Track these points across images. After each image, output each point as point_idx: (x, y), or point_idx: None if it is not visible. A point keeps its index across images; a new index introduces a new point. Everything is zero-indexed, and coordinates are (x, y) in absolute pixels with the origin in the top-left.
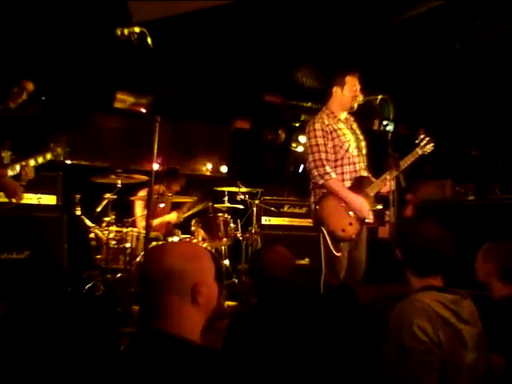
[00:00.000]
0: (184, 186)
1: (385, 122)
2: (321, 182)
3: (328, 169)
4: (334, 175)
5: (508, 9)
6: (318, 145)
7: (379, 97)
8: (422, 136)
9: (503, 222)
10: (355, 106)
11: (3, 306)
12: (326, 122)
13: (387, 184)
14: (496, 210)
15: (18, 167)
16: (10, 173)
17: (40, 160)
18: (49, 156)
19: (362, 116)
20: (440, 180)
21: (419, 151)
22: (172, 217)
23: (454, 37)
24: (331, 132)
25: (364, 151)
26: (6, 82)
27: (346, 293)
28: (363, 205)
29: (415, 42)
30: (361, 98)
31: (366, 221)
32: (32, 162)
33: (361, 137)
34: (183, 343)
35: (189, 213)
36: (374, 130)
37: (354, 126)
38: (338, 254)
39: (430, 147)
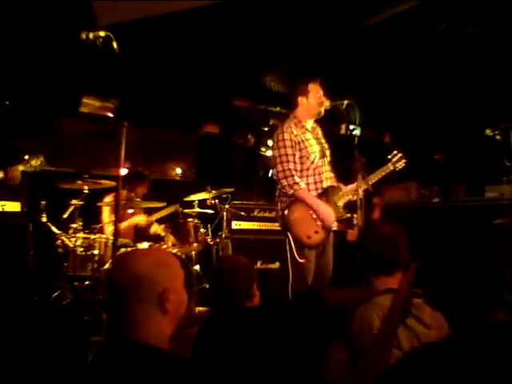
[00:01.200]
0: (150, 190)
1: (351, 127)
2: (290, 192)
3: (297, 179)
4: (302, 185)
5: (469, 14)
6: (287, 155)
7: (345, 102)
8: (394, 152)
9: (467, 223)
10: (322, 111)
11: None
12: (295, 132)
13: (357, 194)
14: (460, 212)
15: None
16: None
17: (21, 168)
18: (21, 167)
19: (329, 121)
20: (406, 183)
21: (390, 166)
22: (140, 219)
23: (418, 42)
24: (299, 142)
25: (329, 159)
26: None
27: (313, 297)
28: (330, 215)
29: (380, 47)
30: (327, 104)
31: (333, 228)
32: (14, 169)
33: (326, 145)
34: (152, 350)
35: (157, 215)
36: (340, 134)
37: (320, 134)
38: (301, 261)
39: (401, 163)
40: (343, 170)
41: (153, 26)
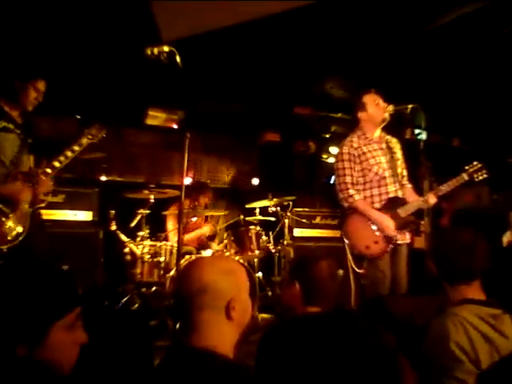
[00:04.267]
0: (213, 199)
1: (417, 131)
2: (346, 204)
3: (351, 191)
4: (357, 197)
5: None
6: (344, 168)
7: (410, 106)
8: (474, 163)
9: None
10: (387, 117)
11: None
12: (355, 145)
13: (424, 203)
14: None
15: (56, 163)
16: (62, 158)
17: (76, 148)
18: (84, 140)
19: (394, 126)
20: (477, 187)
21: (465, 177)
22: (205, 230)
23: (486, 44)
24: (359, 155)
25: (400, 170)
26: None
27: (379, 306)
28: (388, 224)
29: (447, 49)
30: (391, 109)
31: (399, 242)
32: (69, 153)
33: (397, 155)
34: (216, 358)
35: (221, 226)
36: (406, 139)
37: (393, 143)
38: (359, 271)
39: (481, 174)
40: (409, 176)
41: (213, 38)
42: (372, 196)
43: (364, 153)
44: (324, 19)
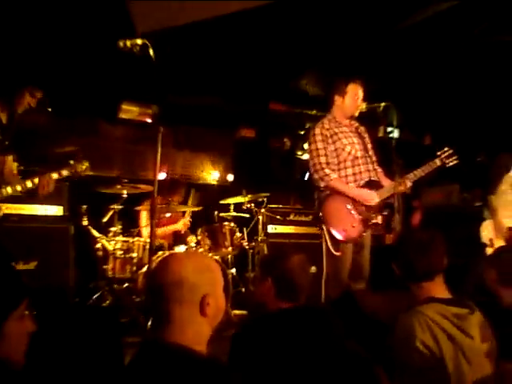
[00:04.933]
0: (186, 195)
1: (389, 129)
2: (322, 184)
3: (327, 171)
4: (333, 176)
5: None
6: (317, 149)
7: (382, 104)
8: (445, 148)
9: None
10: (356, 113)
11: None
12: (327, 126)
13: (400, 187)
14: None
15: (29, 183)
16: (19, 188)
17: (54, 175)
18: (65, 172)
19: (367, 123)
20: (447, 186)
21: (438, 162)
22: (178, 226)
23: (458, 42)
24: (331, 136)
25: (371, 153)
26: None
27: (349, 301)
28: (369, 194)
29: (419, 48)
30: (363, 106)
31: (372, 221)
32: (47, 177)
33: (368, 140)
34: (190, 354)
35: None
36: (378, 137)
37: (362, 129)
38: (337, 254)
39: (452, 160)
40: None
41: (189, 32)
42: (347, 176)
43: (336, 133)
44: (300, 16)
